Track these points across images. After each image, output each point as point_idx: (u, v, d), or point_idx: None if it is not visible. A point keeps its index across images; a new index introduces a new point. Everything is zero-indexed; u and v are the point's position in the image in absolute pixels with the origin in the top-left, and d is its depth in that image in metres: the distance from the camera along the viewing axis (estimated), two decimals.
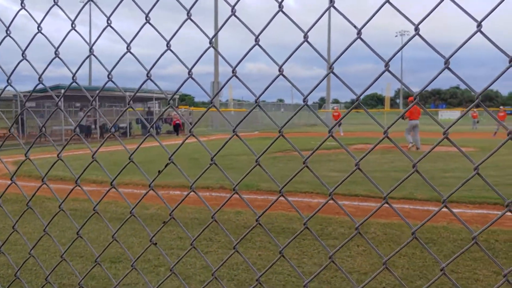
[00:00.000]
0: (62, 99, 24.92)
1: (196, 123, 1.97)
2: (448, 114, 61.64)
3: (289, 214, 7.15)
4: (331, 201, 6.04)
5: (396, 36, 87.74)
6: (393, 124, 1.57)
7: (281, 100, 67.30)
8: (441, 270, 1.41)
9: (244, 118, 1.98)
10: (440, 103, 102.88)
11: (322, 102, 69.98)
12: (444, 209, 5.31)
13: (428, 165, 13.13)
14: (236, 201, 8.22)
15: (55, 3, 1.82)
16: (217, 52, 1.71)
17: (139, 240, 5.89)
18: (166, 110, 2.09)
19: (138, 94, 30.55)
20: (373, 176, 7.91)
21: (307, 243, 5.72)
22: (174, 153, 1.66)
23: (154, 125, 33.56)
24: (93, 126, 30.18)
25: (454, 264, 4.86)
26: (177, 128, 33.98)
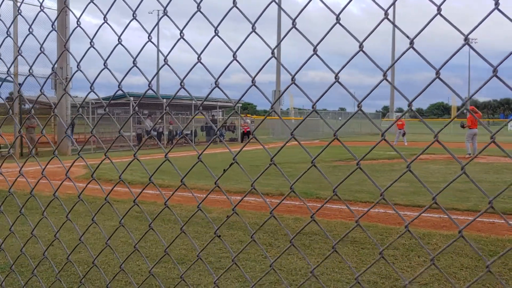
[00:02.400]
0: (131, 106, 25.88)
1: (258, 126, 2.08)
2: None
3: (348, 223, 7.14)
4: (391, 212, 6.02)
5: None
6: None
7: (342, 109, 66.62)
8: (487, 270, 1.42)
9: (302, 121, 2.06)
10: (510, 113, 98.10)
11: (385, 110, 68.65)
12: (511, 221, 5.16)
13: (493, 176, 12.64)
14: (295, 208, 8.30)
15: (134, 17, 1.97)
16: (278, 62, 1.79)
17: (202, 242, 6.09)
18: (229, 116, 2.22)
19: (203, 102, 31.30)
20: (436, 187, 7.82)
21: (366, 252, 5.71)
22: (238, 153, 1.77)
23: (218, 132, 34.25)
24: (155, 133, 31.15)
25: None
26: (247, 136, 34.61)
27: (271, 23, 44.19)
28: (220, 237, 1.83)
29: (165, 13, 1.90)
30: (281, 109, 45.92)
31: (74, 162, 2.36)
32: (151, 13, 69.34)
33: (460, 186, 10.14)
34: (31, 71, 2.42)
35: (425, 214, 7.82)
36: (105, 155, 2.03)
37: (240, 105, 36.49)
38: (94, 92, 2.18)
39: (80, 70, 2.18)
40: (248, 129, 34.40)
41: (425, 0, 1.41)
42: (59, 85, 21.39)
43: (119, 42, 2.04)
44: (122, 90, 2.02)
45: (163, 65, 1.96)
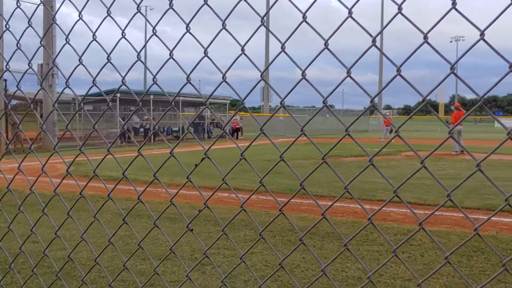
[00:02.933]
0: (117, 102, 25.74)
1: (265, 123, 2.06)
2: (505, 122, 59.19)
3: (334, 219, 7.20)
4: (377, 208, 6.06)
5: (451, 41, 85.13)
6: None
7: (331, 106, 66.72)
8: (503, 265, 1.42)
9: (312, 118, 2.06)
10: (497, 110, 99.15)
11: (373, 108, 68.97)
12: (494, 218, 5.26)
13: (479, 173, 12.78)
14: (286, 206, 8.33)
15: (139, 11, 1.97)
16: (290, 58, 1.74)
17: (188, 239, 6.10)
18: (235, 114, 2.22)
19: (190, 99, 31.25)
20: (422, 183, 7.90)
21: (352, 248, 5.76)
22: (245, 150, 1.77)
23: (206, 129, 34.23)
24: (141, 129, 31.07)
25: (502, 274, 4.79)
26: (237, 132, 34.65)
27: (257, 19, 44.18)
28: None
29: (170, 7, 1.88)
30: (270, 106, 45.94)
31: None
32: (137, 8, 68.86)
33: (447, 183, 10.21)
34: (30, 64, 2.39)
35: (409, 211, 7.89)
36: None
37: (228, 102, 36.51)
38: (97, 86, 2.17)
39: (83, 64, 2.16)
40: (237, 126, 34.43)
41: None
42: (45, 81, 21.21)
43: (123, 36, 1.99)
44: (126, 85, 2.01)
45: (168, 59, 1.92)
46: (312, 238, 6.13)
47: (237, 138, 34.14)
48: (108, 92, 24.80)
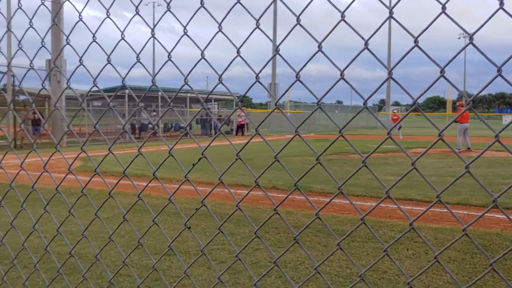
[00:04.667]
0: (126, 99, 25.82)
1: (261, 123, 2.08)
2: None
3: (340, 216, 7.20)
4: (382, 205, 6.09)
5: (459, 38, 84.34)
6: (447, 126, 1.60)
7: (339, 102, 66.64)
8: (490, 265, 1.41)
9: (306, 119, 2.07)
10: (504, 107, 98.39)
11: (382, 104, 68.72)
12: (498, 215, 5.26)
13: (486, 170, 12.74)
14: (288, 201, 8.35)
15: (137, 13, 1.95)
16: (283, 59, 1.74)
17: (195, 234, 6.12)
18: (234, 111, 2.24)
19: (200, 95, 31.29)
20: (429, 180, 7.87)
21: (356, 245, 5.77)
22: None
23: (213, 125, 34.28)
24: (150, 126, 31.17)
25: (505, 271, 4.79)
26: (242, 128, 34.62)
27: (266, 14, 44.05)
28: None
29: (168, 9, 1.88)
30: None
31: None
32: (147, 5, 69.12)
33: (451, 179, 10.18)
34: (32, 65, 2.41)
35: (416, 207, 7.89)
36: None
37: (236, 97, 36.49)
38: (97, 86, 2.19)
39: (83, 65, 2.17)
40: (242, 122, 34.41)
41: None
42: (53, 77, 21.33)
43: (122, 38, 1.98)
44: (126, 86, 2.03)
45: (167, 61, 1.92)
46: (317, 236, 6.14)
47: (242, 134, 34.13)
48: (114, 89, 24.91)
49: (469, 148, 18.79)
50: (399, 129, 30.00)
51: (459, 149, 18.82)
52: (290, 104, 46.77)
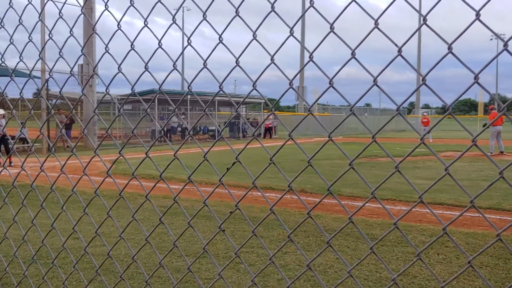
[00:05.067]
0: (156, 102, 26.12)
1: (295, 127, 2.10)
2: None
3: (369, 220, 7.17)
4: (413, 209, 5.99)
5: (491, 39, 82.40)
6: (481, 132, 1.59)
7: (368, 105, 65.98)
8: None
9: (340, 124, 2.08)
10: None
11: (411, 107, 67.78)
12: None
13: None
14: (321, 207, 8.34)
15: (174, 22, 2.00)
16: (317, 66, 1.75)
17: (223, 237, 6.20)
18: (267, 117, 2.27)
19: (226, 98, 31.54)
20: (461, 184, 7.77)
21: (386, 249, 5.74)
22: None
23: (241, 128, 34.43)
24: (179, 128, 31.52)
25: None
26: (270, 131, 34.69)
27: (293, 18, 44.03)
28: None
29: (204, 18, 1.91)
30: (304, 105, 45.76)
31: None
32: (176, 10, 69.87)
33: (484, 184, 10.03)
34: (72, 72, 2.48)
35: (446, 212, 7.78)
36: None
37: (263, 101, 36.58)
38: (136, 94, 2.24)
39: (121, 72, 2.22)
40: (270, 125, 34.48)
41: None
42: (85, 81, 21.79)
43: (160, 46, 2.01)
44: (163, 93, 2.09)
45: (202, 68, 1.94)
46: (346, 239, 6.13)
47: (270, 137, 34.17)
48: (146, 93, 25.30)
49: (502, 152, 18.40)
50: (428, 132, 29.62)
51: (491, 153, 18.50)
52: (318, 107, 46.59)
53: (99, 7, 20.67)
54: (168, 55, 2.00)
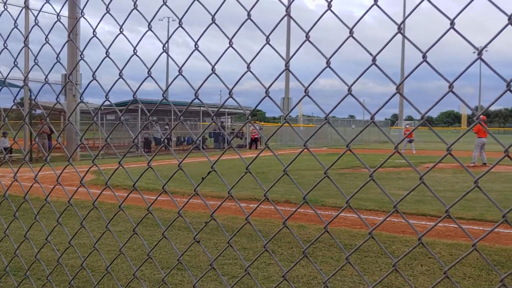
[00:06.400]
0: (139, 112, 25.98)
1: (271, 136, 2.07)
2: None
3: (352, 231, 7.15)
4: (395, 219, 6.03)
5: (474, 53, 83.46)
6: (455, 142, 1.57)
7: (352, 116, 66.43)
8: (500, 281, 1.40)
9: (315, 133, 2.07)
10: None
11: (394, 119, 68.34)
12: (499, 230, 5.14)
13: (502, 185, 12.58)
14: (301, 215, 8.32)
15: (149, 29, 1.96)
16: (292, 74, 1.74)
17: (206, 248, 6.11)
18: (243, 125, 2.24)
19: (211, 108, 31.53)
20: (443, 196, 7.82)
21: (369, 260, 5.71)
22: (251, 162, 1.77)
23: (226, 139, 34.38)
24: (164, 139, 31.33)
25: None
26: (256, 142, 34.67)
27: (279, 29, 44.25)
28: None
29: (180, 25, 1.88)
30: (290, 116, 45.89)
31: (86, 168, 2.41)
32: (161, 20, 70.07)
33: (467, 195, 10.06)
34: (47, 79, 2.43)
35: (429, 223, 7.80)
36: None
37: (249, 112, 36.61)
38: (109, 101, 2.20)
39: (96, 80, 2.19)
40: (256, 136, 34.49)
41: (440, 7, 1.41)
42: (69, 91, 21.59)
43: (135, 53, 1.99)
44: (137, 100, 2.04)
45: (178, 76, 1.91)
46: (330, 250, 6.09)
47: (256, 148, 34.17)
48: (127, 103, 25.13)
49: (485, 164, 18.58)
50: (410, 142, 29.85)
51: (474, 163, 18.64)
52: (303, 118, 46.76)
53: (88, 19, 20.46)
54: (144, 63, 1.96)
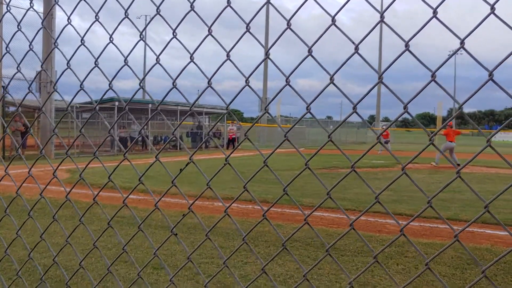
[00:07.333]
0: (115, 110, 25.71)
1: (251, 127, 2.03)
2: (503, 136, 59.52)
3: (329, 230, 7.17)
4: (371, 219, 6.06)
5: (449, 54, 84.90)
6: (438, 131, 1.55)
7: (329, 117, 66.94)
8: (482, 273, 1.39)
9: (294, 125, 2.04)
10: (494, 124, 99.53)
11: (371, 120, 69.11)
12: (489, 230, 5.25)
13: (476, 186, 12.79)
14: (277, 215, 8.32)
15: (126, 16, 1.96)
16: (272, 62, 1.70)
17: (182, 247, 6.07)
18: (218, 121, 2.21)
19: (188, 108, 31.34)
20: (417, 196, 7.88)
21: (346, 259, 5.74)
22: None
23: (203, 138, 34.23)
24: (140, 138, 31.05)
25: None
26: (233, 142, 34.61)
27: (258, 29, 44.33)
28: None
29: (157, 12, 1.84)
30: (267, 116, 45.95)
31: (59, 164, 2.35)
32: (139, 18, 69.55)
33: (442, 195, 10.23)
34: (19, 68, 2.36)
35: (405, 222, 7.86)
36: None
37: (227, 112, 36.51)
38: (84, 90, 2.15)
39: (70, 68, 2.14)
40: (234, 136, 34.45)
41: (416, 10, 1.40)
42: (43, 88, 21.22)
43: (111, 41, 1.94)
44: (113, 90, 1.99)
45: (155, 64, 1.87)
46: (306, 249, 6.10)
47: (233, 147, 34.13)
48: (106, 101, 24.83)
49: (458, 165, 18.89)
50: (387, 143, 30.16)
51: (436, 163, 18.89)
52: (280, 119, 46.87)
53: (59, 14, 20.22)
54: (120, 51, 1.92)
